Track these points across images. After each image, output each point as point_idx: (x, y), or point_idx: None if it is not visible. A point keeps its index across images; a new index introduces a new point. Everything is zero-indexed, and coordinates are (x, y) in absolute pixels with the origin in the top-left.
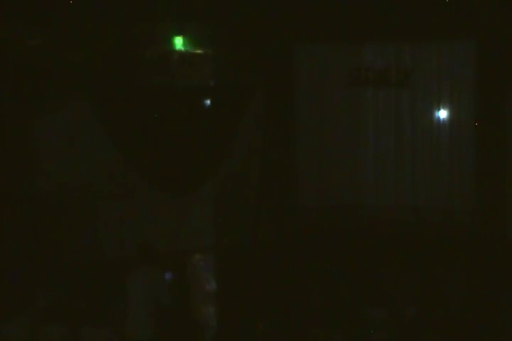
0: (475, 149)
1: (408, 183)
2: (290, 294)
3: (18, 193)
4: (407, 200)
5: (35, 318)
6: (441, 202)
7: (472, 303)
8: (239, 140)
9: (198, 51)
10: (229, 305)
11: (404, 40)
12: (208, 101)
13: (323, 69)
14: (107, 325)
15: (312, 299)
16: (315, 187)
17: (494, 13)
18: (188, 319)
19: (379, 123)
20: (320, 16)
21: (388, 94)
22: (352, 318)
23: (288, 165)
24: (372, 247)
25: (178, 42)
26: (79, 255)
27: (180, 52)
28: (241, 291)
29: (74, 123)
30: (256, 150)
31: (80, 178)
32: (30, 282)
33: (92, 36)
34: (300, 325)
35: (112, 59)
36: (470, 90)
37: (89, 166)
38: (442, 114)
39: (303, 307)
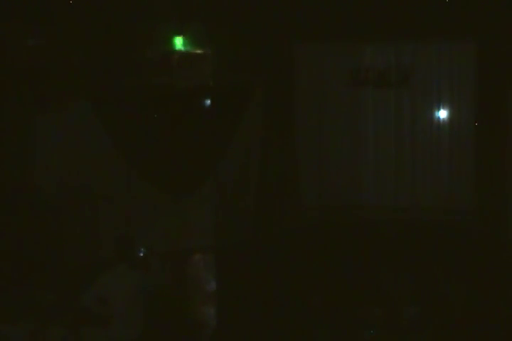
0: (475, 149)
1: (408, 183)
2: (290, 294)
3: (17, 193)
4: (407, 200)
5: (36, 319)
6: (442, 202)
7: (472, 303)
8: (239, 140)
9: (198, 51)
10: (229, 305)
11: (404, 40)
12: (208, 101)
13: (323, 69)
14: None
15: (312, 299)
16: (315, 187)
17: (494, 13)
18: (188, 319)
19: (379, 123)
20: (320, 16)
21: (388, 94)
22: (351, 318)
23: (288, 165)
24: (372, 247)
25: (178, 42)
26: (79, 255)
27: (180, 52)
28: (241, 291)
29: (74, 123)
30: (256, 149)
31: (80, 178)
32: (30, 283)
33: (92, 36)
34: (300, 325)
35: (112, 59)
36: (470, 90)
37: (89, 166)
38: (442, 114)
39: (303, 307)
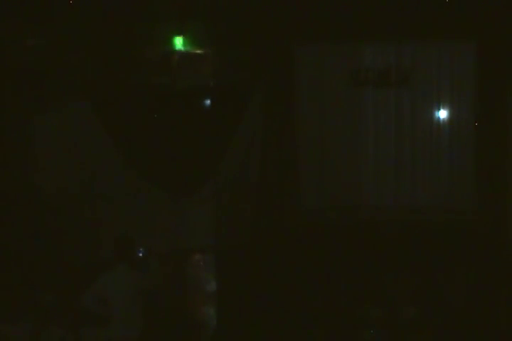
0: (475, 149)
1: (408, 183)
2: (290, 294)
3: (17, 193)
4: (407, 200)
5: (36, 319)
6: (442, 202)
7: (472, 303)
8: (239, 140)
9: (198, 51)
10: (229, 305)
11: (404, 40)
12: (208, 101)
13: (323, 69)
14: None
15: (312, 299)
16: (315, 188)
17: (494, 13)
18: (188, 319)
19: (379, 123)
20: (320, 16)
21: (388, 94)
22: (351, 318)
23: (288, 165)
24: (372, 247)
25: (178, 42)
26: (79, 255)
27: (180, 52)
28: (241, 291)
29: (74, 123)
30: (256, 150)
31: (80, 178)
32: (30, 283)
33: (92, 36)
34: (300, 325)
35: (112, 59)
36: (470, 90)
37: (89, 166)
38: (442, 114)
39: (303, 307)
